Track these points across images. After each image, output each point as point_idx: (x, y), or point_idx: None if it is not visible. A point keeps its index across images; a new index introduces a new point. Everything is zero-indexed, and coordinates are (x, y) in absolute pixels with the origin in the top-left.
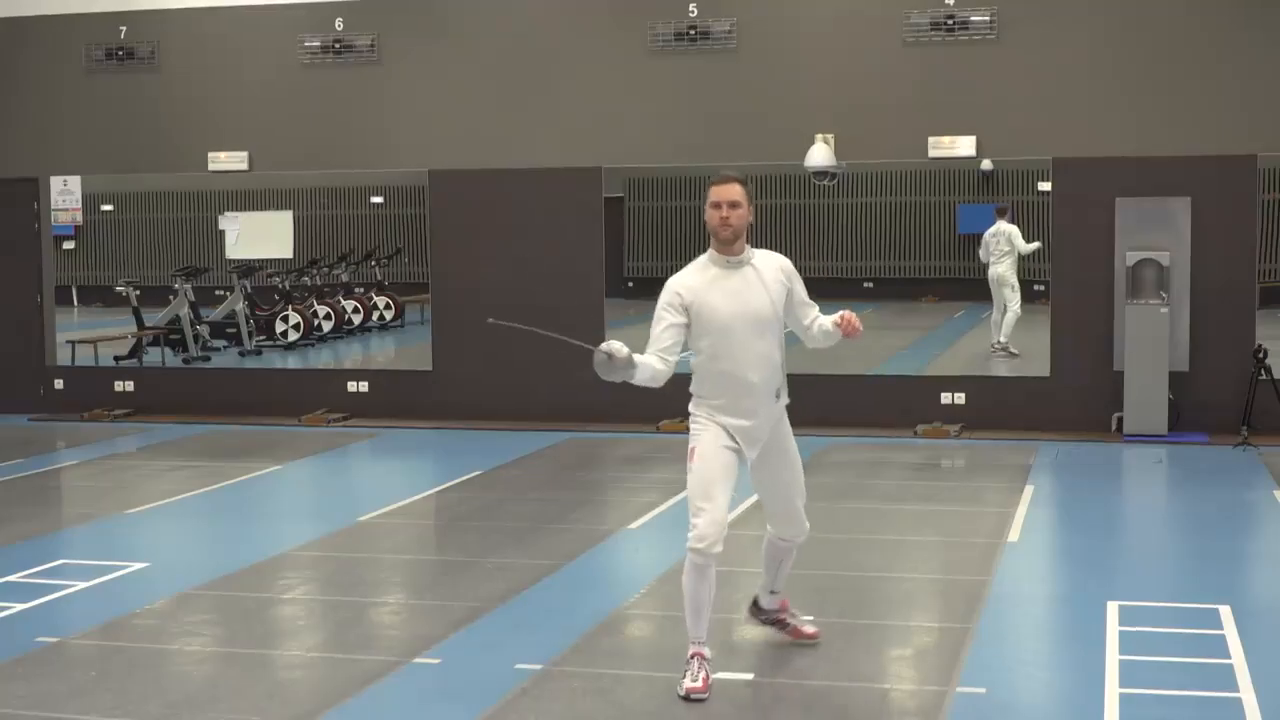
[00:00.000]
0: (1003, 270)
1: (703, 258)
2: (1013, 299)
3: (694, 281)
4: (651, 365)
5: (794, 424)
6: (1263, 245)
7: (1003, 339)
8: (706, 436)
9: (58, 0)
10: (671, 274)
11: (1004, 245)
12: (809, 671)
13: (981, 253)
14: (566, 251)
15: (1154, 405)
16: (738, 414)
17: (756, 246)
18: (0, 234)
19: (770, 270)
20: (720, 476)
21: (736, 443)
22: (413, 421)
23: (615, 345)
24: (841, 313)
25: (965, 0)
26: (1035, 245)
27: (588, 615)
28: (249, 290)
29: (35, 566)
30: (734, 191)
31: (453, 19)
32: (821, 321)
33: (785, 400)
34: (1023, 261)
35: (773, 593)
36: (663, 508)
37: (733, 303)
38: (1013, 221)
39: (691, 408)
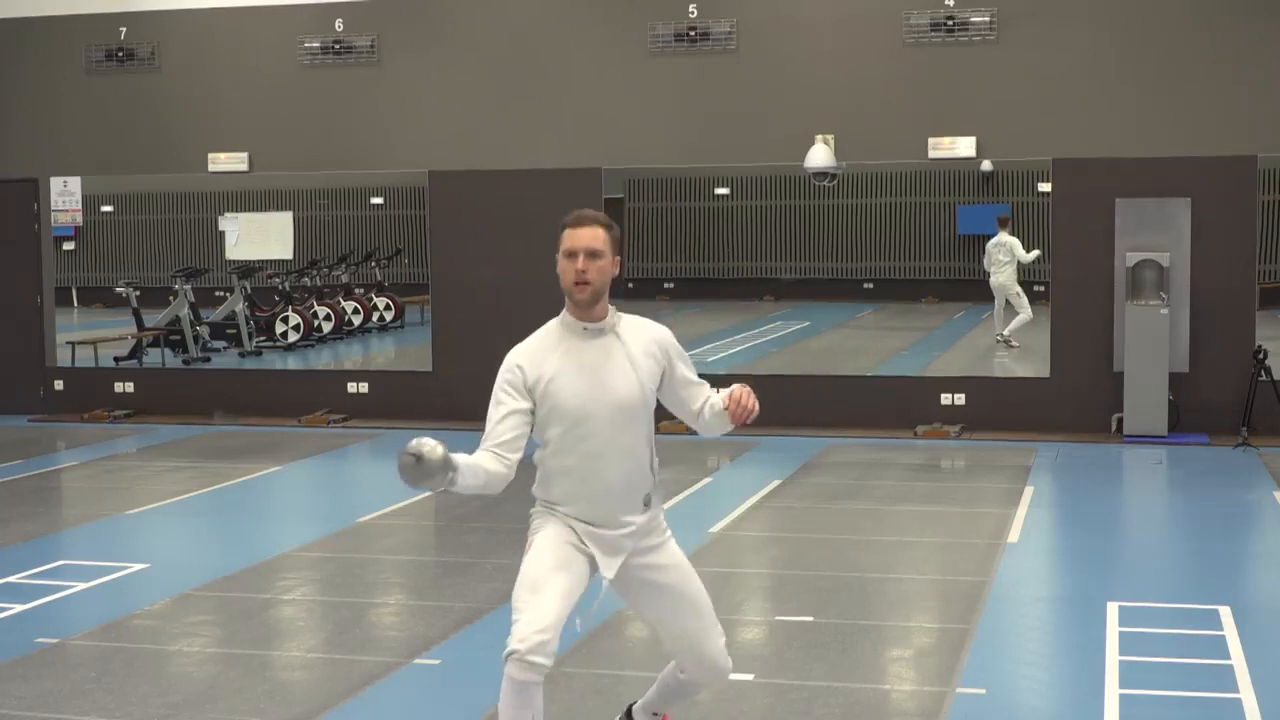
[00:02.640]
0: (1003, 279)
1: (552, 323)
2: (1021, 303)
3: (539, 354)
4: (481, 467)
5: (794, 424)
6: (1263, 246)
7: (1006, 332)
8: (547, 530)
9: (58, 0)
10: (673, 275)
11: (1004, 255)
12: (809, 672)
13: (985, 262)
14: None
15: (1154, 406)
16: (593, 523)
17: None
18: (0, 234)
19: (641, 343)
20: (558, 574)
21: (585, 545)
22: (413, 422)
23: (427, 445)
24: (731, 390)
25: (965, 0)
26: (1035, 254)
27: (588, 615)
28: (249, 291)
29: (35, 567)
30: (594, 237)
31: (452, 19)
32: (714, 402)
33: (659, 508)
34: (1023, 265)
35: (655, 715)
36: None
37: (589, 382)
38: (1014, 227)
39: (533, 510)
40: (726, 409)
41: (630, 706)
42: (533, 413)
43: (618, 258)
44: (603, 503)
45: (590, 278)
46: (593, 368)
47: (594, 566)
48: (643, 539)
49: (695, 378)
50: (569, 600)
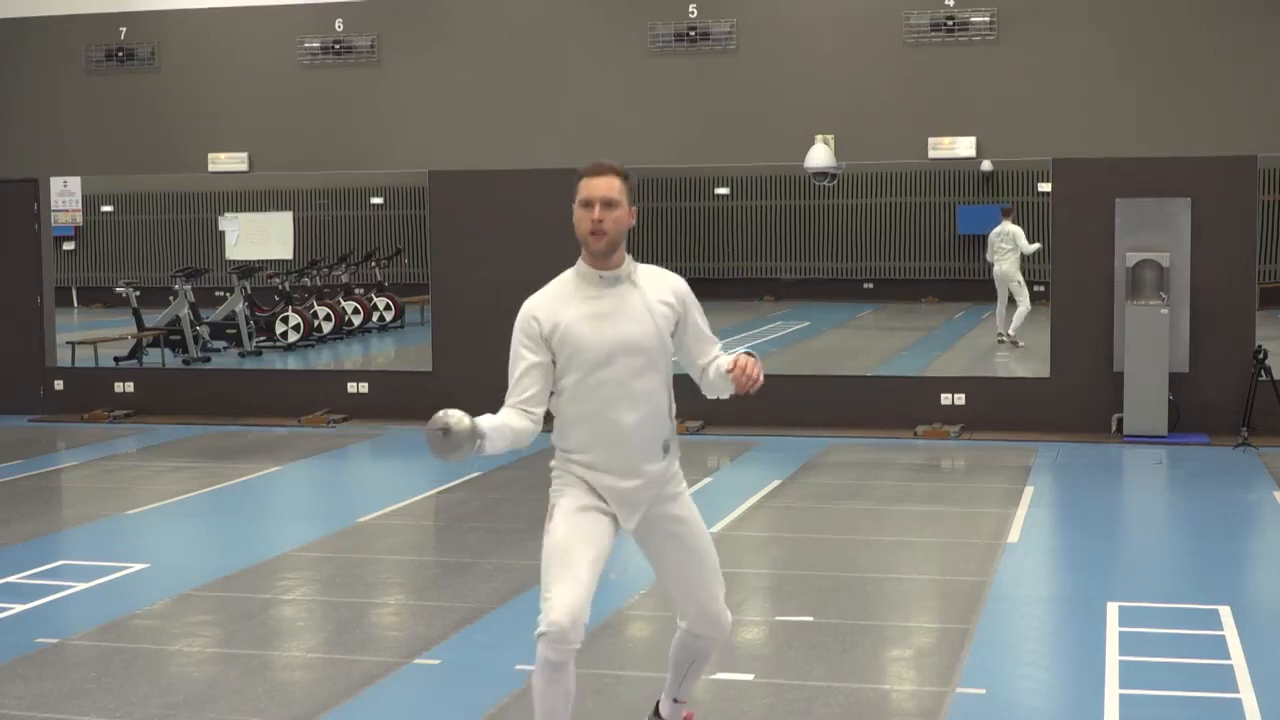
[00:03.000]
0: (1006, 268)
1: (568, 273)
2: (1021, 294)
3: (555, 303)
4: (508, 426)
5: (794, 424)
6: (1263, 246)
7: (1010, 331)
8: (566, 498)
9: (58, 0)
10: (675, 275)
11: (1008, 244)
12: (809, 672)
13: (988, 252)
14: (566, 252)
15: (1154, 406)
16: (611, 472)
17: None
18: (0, 234)
19: (657, 290)
20: (583, 547)
21: (606, 504)
22: (413, 422)
23: (453, 416)
24: (735, 355)
25: (965, 0)
26: (1036, 246)
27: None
28: (249, 291)
29: (35, 567)
30: (610, 186)
31: (452, 19)
32: (720, 363)
33: (675, 455)
34: (1024, 262)
35: (676, 701)
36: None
37: (605, 330)
38: (1016, 222)
39: (553, 463)
40: (730, 373)
41: (656, 703)
42: (554, 363)
43: (634, 208)
44: (620, 450)
45: (606, 227)
46: (609, 314)
47: (616, 523)
48: (661, 488)
49: (709, 333)
50: (596, 570)
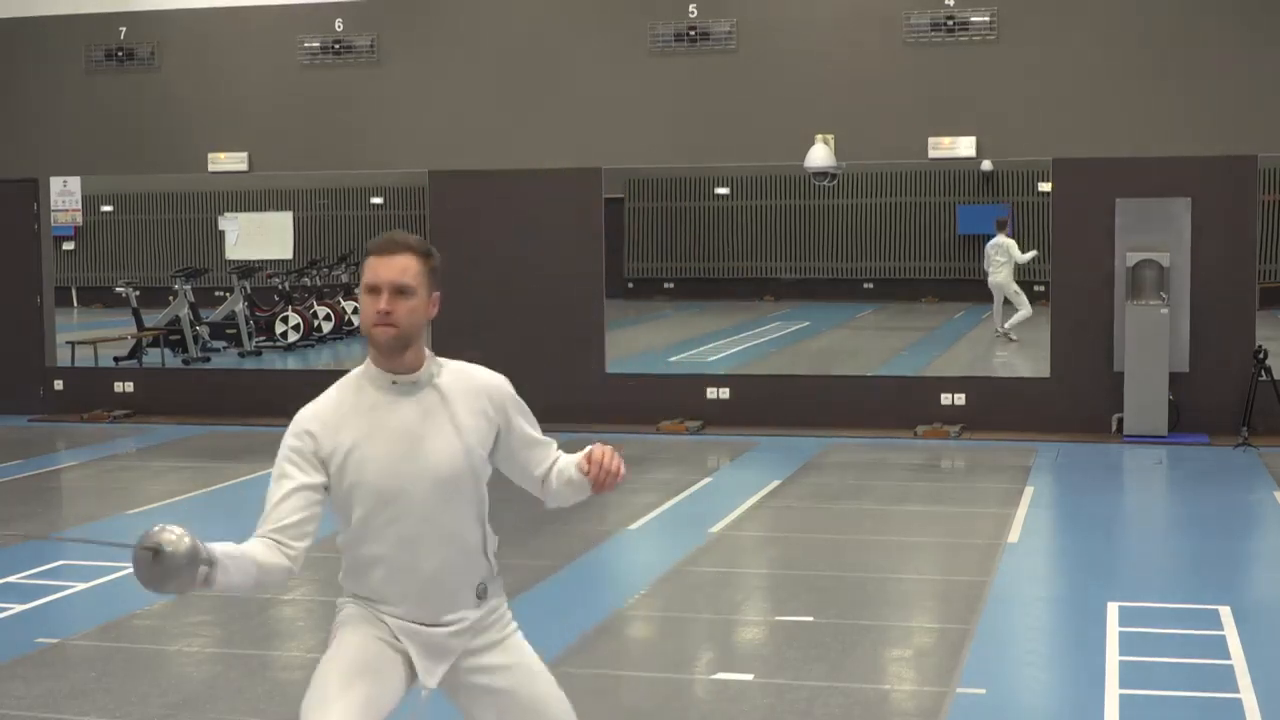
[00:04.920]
0: (1000, 279)
1: (352, 375)
2: (1019, 300)
3: (336, 417)
4: (250, 559)
5: (794, 424)
6: (1263, 245)
7: (1006, 326)
8: (354, 627)
9: (58, 0)
10: (673, 275)
11: (1002, 256)
12: (809, 671)
13: (984, 263)
14: (566, 252)
15: (1154, 406)
16: (412, 620)
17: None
18: (0, 234)
19: (468, 396)
20: (356, 678)
21: (399, 641)
22: None
23: (170, 534)
24: (589, 451)
25: (965, 0)
26: (1031, 254)
27: (588, 615)
28: (249, 291)
29: (35, 567)
30: (403, 269)
31: (453, 19)
32: (562, 467)
33: (498, 600)
34: (1020, 265)
35: None
36: (663, 508)
37: (399, 454)
38: (1014, 227)
39: (341, 600)
40: (587, 474)
41: None
42: (326, 488)
43: (436, 293)
44: (424, 599)
45: (397, 319)
46: (405, 432)
47: (412, 670)
48: (475, 637)
49: (539, 435)
50: (374, 714)
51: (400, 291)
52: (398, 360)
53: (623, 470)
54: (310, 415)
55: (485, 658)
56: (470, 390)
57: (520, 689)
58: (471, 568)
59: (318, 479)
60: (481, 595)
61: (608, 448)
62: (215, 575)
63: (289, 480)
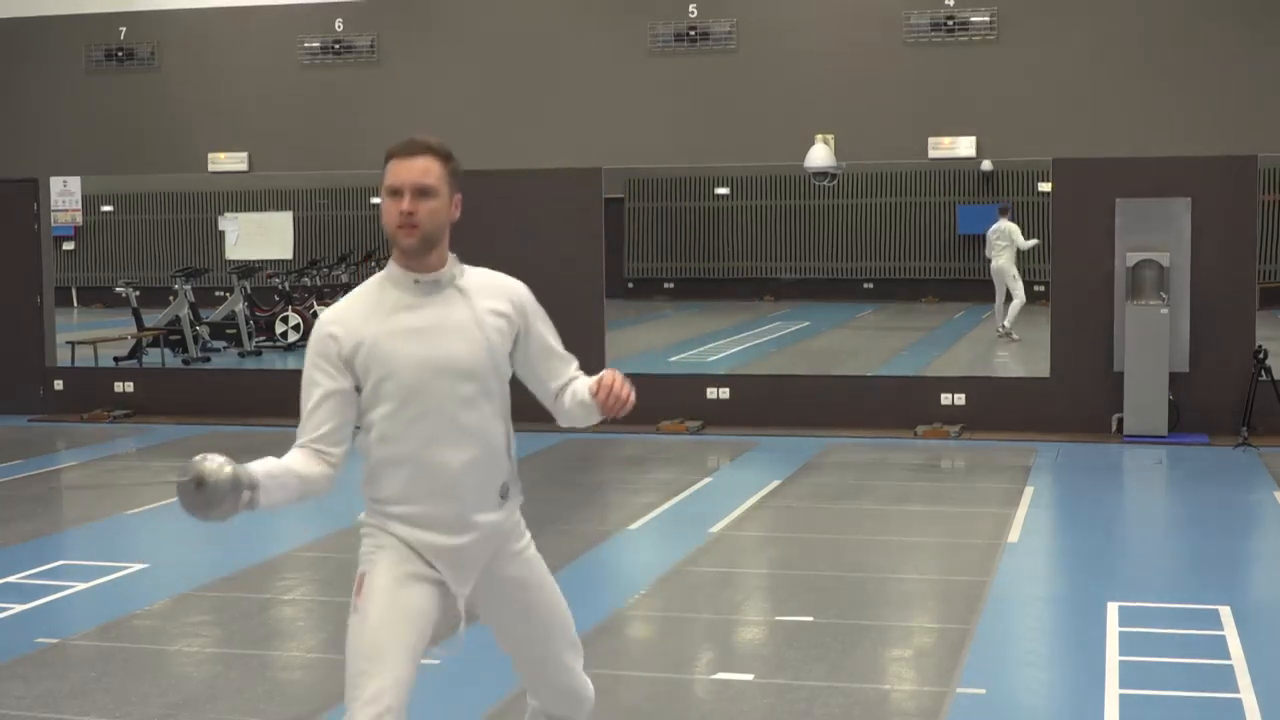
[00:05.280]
0: (1003, 262)
1: (377, 277)
2: (1016, 287)
3: (357, 316)
4: (292, 473)
5: (794, 424)
6: (1263, 245)
7: (1007, 324)
8: (380, 566)
9: (58, 0)
10: (673, 275)
11: (1004, 240)
12: (809, 671)
13: (986, 249)
14: (566, 251)
15: (1154, 406)
16: (435, 527)
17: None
18: (0, 234)
19: (489, 298)
20: (399, 634)
21: (434, 569)
22: None
23: (211, 463)
24: (601, 376)
25: (965, 0)
26: (1034, 242)
27: (588, 615)
28: (249, 291)
29: (35, 567)
30: (424, 170)
31: (453, 20)
32: (577, 388)
33: (517, 500)
34: (1023, 261)
35: None
36: (663, 508)
37: (423, 349)
38: (1013, 220)
39: (361, 517)
40: (595, 396)
41: None
42: (357, 390)
43: (458, 195)
44: (448, 499)
45: (419, 219)
46: (427, 329)
47: (446, 594)
48: (500, 543)
49: (560, 348)
50: (416, 657)
51: (423, 193)
52: (421, 261)
53: (632, 397)
54: (332, 318)
55: (507, 568)
56: (492, 290)
57: (538, 606)
58: (495, 466)
59: (345, 383)
60: (504, 495)
61: (618, 374)
62: (259, 497)
63: (318, 388)
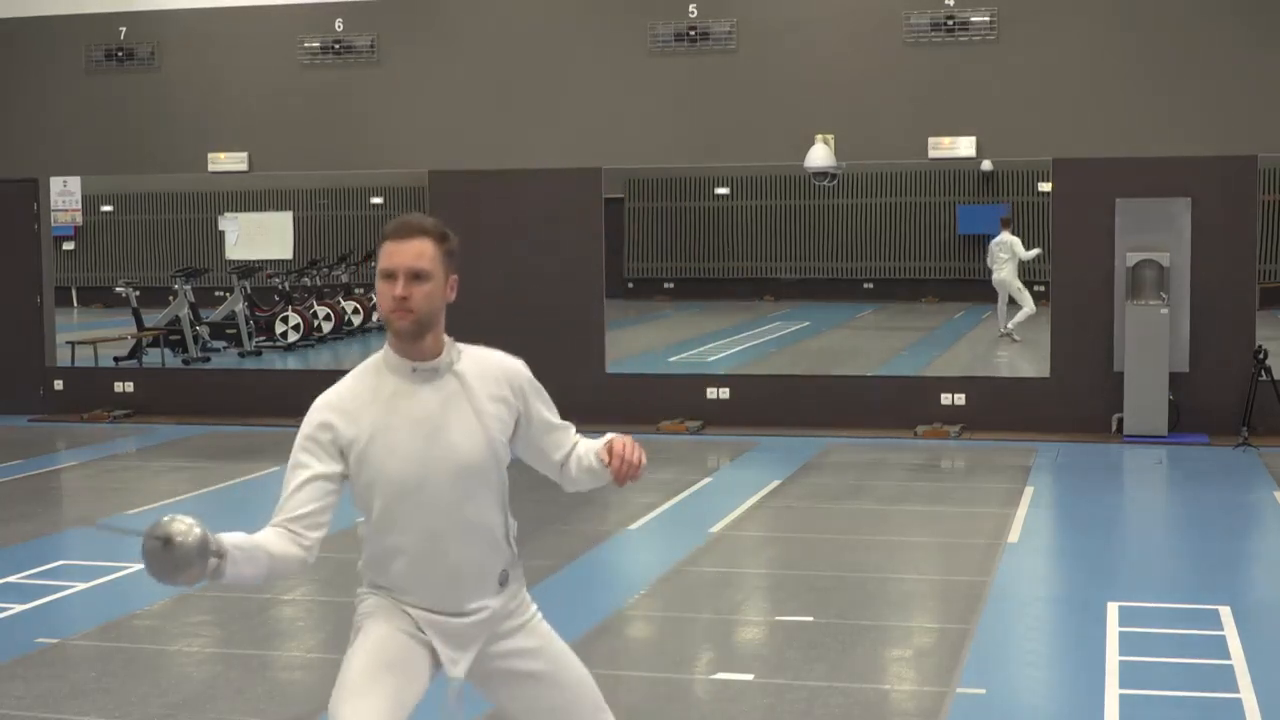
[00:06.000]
0: (1004, 276)
1: (371, 361)
2: (1023, 298)
3: (356, 405)
4: (263, 550)
5: (794, 424)
6: (1263, 245)
7: (1009, 325)
8: (379, 615)
9: (58, 0)
10: (673, 275)
11: (1005, 253)
12: (809, 671)
13: (988, 260)
14: (566, 252)
15: (1154, 406)
16: (433, 610)
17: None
18: (0, 234)
19: (487, 383)
20: (383, 672)
21: (424, 634)
22: None
23: (179, 525)
24: (609, 441)
25: (965, 0)
26: (1035, 252)
27: (588, 615)
28: (249, 291)
29: (35, 568)
30: (419, 253)
31: (452, 19)
32: (581, 454)
33: (518, 585)
34: (1023, 262)
35: None
36: (663, 508)
37: (421, 444)
38: (1014, 227)
39: (361, 590)
40: (608, 466)
41: None
42: (344, 477)
43: (454, 277)
44: (447, 589)
45: (414, 304)
46: (426, 421)
47: (437, 662)
48: (499, 624)
49: (557, 420)
50: (401, 708)
51: (416, 276)
52: (417, 346)
53: (644, 461)
54: (328, 404)
55: (511, 642)
56: (490, 376)
57: (550, 671)
58: (495, 556)
59: (334, 468)
60: (503, 582)
61: (627, 439)
62: (225, 567)
63: (305, 469)
